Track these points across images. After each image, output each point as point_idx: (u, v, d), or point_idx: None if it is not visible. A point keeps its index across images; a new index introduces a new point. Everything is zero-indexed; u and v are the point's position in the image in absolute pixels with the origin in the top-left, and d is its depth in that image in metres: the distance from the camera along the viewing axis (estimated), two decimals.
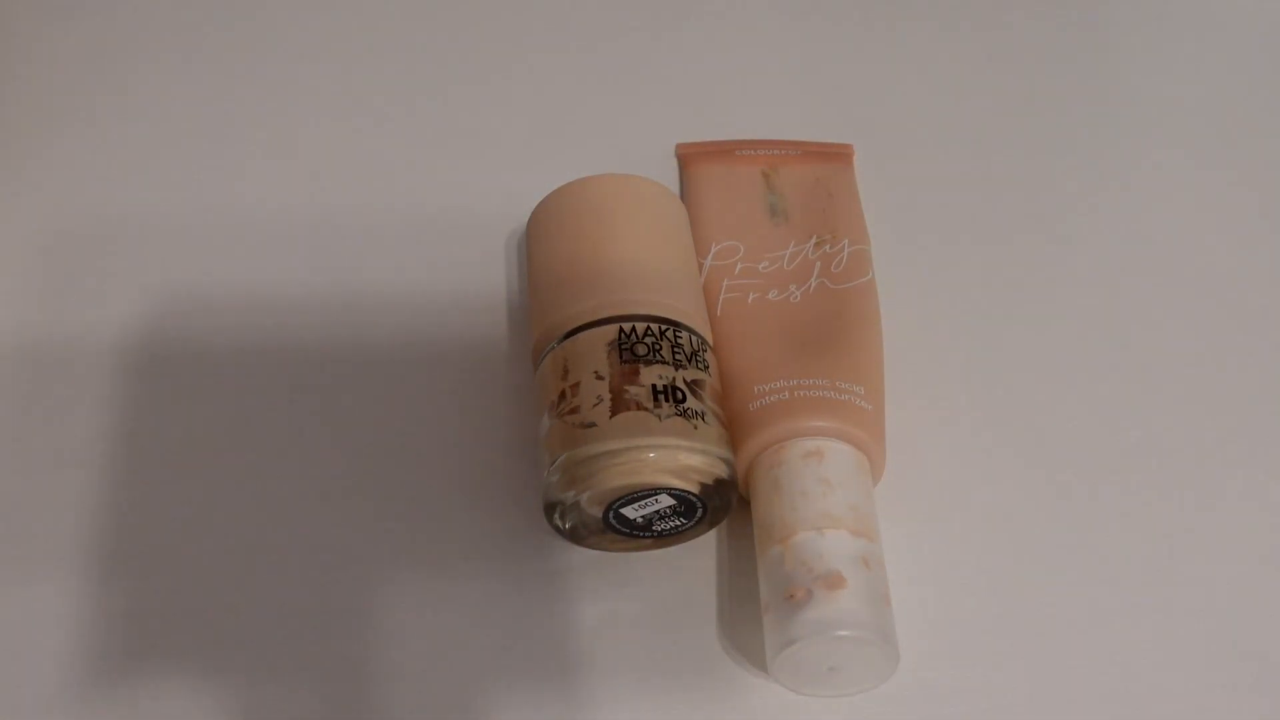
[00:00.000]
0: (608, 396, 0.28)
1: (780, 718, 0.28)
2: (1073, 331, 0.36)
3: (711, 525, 0.29)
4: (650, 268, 0.31)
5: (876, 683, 0.27)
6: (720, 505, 0.29)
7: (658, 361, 0.28)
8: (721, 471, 0.28)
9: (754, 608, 0.28)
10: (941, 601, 0.30)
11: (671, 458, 0.27)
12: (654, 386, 0.28)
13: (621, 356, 0.28)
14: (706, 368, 0.29)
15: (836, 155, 0.39)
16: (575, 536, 0.29)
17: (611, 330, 0.29)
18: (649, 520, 0.28)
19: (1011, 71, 0.44)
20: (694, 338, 0.30)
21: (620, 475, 0.27)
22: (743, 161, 0.39)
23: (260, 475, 0.32)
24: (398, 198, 0.39)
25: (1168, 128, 0.42)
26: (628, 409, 0.27)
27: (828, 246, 0.35)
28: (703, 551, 0.31)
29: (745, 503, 0.30)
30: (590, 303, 0.29)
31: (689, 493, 0.28)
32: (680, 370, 0.28)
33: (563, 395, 0.28)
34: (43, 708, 0.28)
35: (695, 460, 0.27)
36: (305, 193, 0.39)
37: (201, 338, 0.35)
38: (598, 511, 0.28)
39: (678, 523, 0.29)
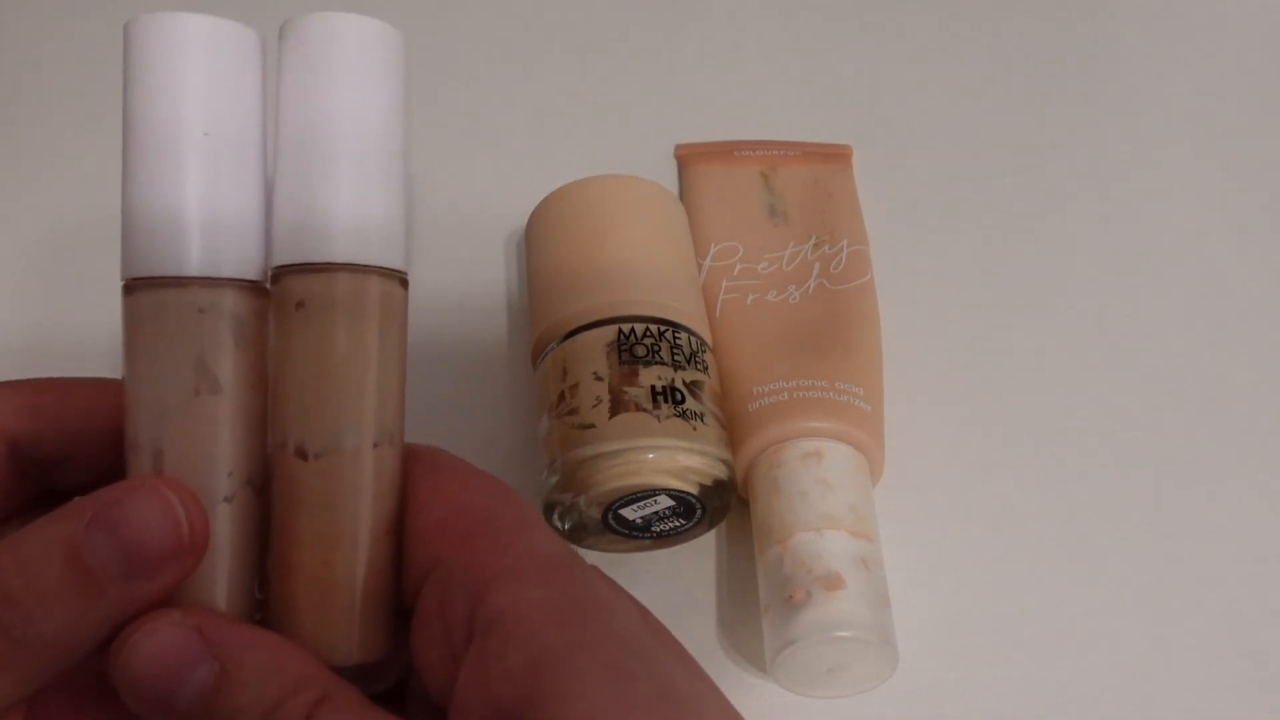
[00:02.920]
0: (607, 397, 0.28)
1: (780, 718, 0.28)
2: (1071, 331, 0.36)
3: (710, 526, 0.29)
4: (650, 268, 0.31)
5: (876, 683, 0.27)
6: (719, 506, 0.29)
7: (657, 362, 0.28)
8: (720, 472, 0.28)
9: (753, 608, 0.28)
10: (940, 602, 0.30)
11: (670, 459, 0.27)
12: (653, 387, 0.28)
13: (621, 357, 0.28)
14: (705, 369, 0.29)
15: (835, 156, 0.39)
16: (575, 537, 0.29)
17: (611, 331, 0.29)
18: (648, 521, 0.28)
19: (1010, 72, 0.44)
20: (693, 339, 0.30)
21: (619, 476, 0.27)
22: (742, 162, 0.39)
23: None
24: None
25: (1167, 128, 0.42)
26: (627, 410, 0.27)
27: (827, 247, 0.35)
28: (702, 551, 0.31)
29: (744, 503, 0.30)
30: (589, 303, 0.29)
31: (688, 494, 0.28)
32: (679, 371, 0.28)
33: (562, 396, 0.28)
34: None
35: (694, 461, 0.27)
36: None
37: None
38: (597, 512, 0.28)
39: (677, 524, 0.29)
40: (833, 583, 0.26)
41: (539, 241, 0.33)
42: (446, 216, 0.38)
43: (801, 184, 0.38)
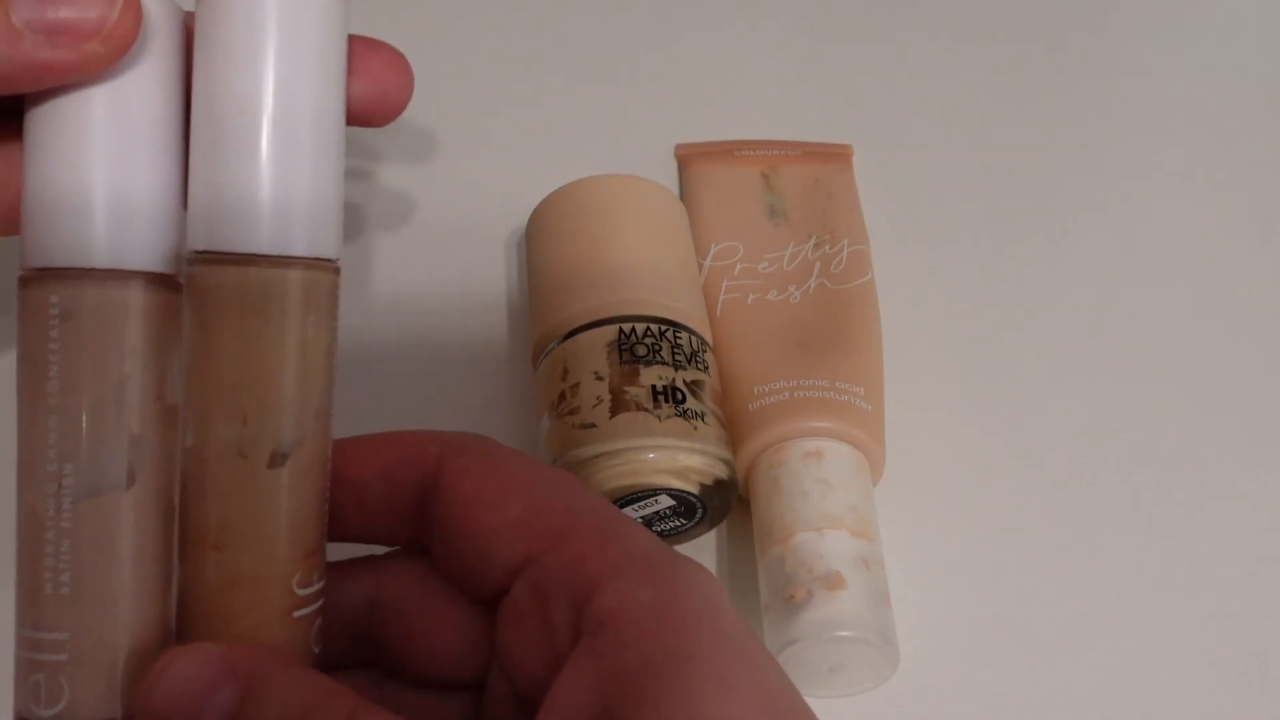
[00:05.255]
0: (607, 397, 0.28)
1: None
2: (1071, 331, 0.36)
3: (711, 526, 0.29)
4: (650, 268, 0.31)
5: (876, 683, 0.27)
6: (720, 506, 0.29)
7: (657, 362, 0.28)
8: (721, 472, 0.28)
9: (754, 607, 0.28)
10: (941, 601, 0.30)
11: (671, 458, 0.27)
12: (654, 387, 0.28)
13: (621, 357, 0.28)
14: (706, 368, 0.29)
15: (835, 155, 0.39)
16: None
17: (611, 331, 0.29)
18: (649, 521, 0.28)
19: (1010, 72, 0.44)
20: (694, 338, 0.30)
21: (620, 476, 0.27)
22: (742, 162, 0.39)
23: None
24: (398, 199, 0.39)
25: (1166, 128, 0.42)
26: (627, 410, 0.27)
27: (827, 247, 0.35)
28: (703, 551, 0.31)
29: (745, 503, 0.30)
30: (590, 303, 0.29)
31: (689, 493, 0.28)
32: (680, 371, 0.28)
33: (562, 396, 0.28)
34: None
35: (695, 461, 0.27)
36: None
37: None
38: None
39: (677, 523, 0.29)
40: (834, 582, 0.26)
41: (539, 241, 0.33)
42: (447, 216, 0.38)
43: (802, 184, 0.38)
